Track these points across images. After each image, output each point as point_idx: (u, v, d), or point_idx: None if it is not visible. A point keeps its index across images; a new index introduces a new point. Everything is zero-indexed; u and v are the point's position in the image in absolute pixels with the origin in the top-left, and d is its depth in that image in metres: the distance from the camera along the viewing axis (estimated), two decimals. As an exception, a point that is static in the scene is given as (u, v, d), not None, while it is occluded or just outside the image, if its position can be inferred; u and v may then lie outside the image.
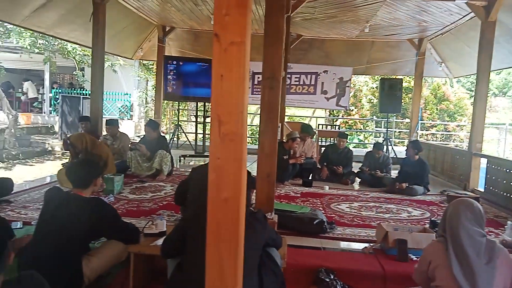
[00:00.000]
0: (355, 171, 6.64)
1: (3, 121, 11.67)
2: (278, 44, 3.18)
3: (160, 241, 2.48)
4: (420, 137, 11.29)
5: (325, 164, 6.58)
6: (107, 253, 2.48)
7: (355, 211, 4.76)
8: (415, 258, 3.07)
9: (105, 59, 13.05)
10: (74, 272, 2.30)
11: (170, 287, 2.06)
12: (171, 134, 9.56)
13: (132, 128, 14.36)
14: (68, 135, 5.77)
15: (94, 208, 2.38)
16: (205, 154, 8.34)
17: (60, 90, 14.67)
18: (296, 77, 9.72)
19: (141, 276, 2.62)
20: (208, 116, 8.84)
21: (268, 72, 3.18)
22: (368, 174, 6.43)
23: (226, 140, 1.21)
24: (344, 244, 3.56)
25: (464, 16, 6.95)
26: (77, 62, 11.88)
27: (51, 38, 10.24)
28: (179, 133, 9.86)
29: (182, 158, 7.83)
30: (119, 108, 15.11)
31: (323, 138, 9.24)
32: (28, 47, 9.75)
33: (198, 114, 8.45)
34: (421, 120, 12.12)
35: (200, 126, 9.20)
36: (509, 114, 21.84)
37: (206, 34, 10.21)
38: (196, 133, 8.42)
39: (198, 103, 8.51)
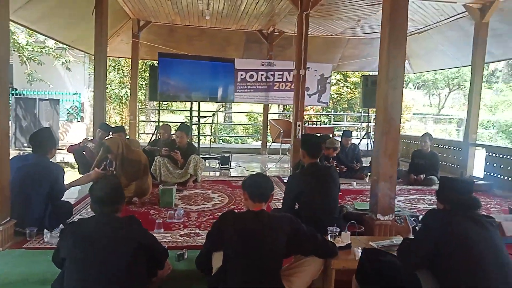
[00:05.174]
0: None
1: None
2: (403, 43, 3.16)
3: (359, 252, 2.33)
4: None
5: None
6: (306, 271, 2.26)
7: (414, 204, 4.95)
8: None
9: (59, 55, 11.86)
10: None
11: None
12: (152, 135, 8.88)
13: (83, 132, 13.13)
14: (104, 139, 5.10)
15: (289, 222, 2.20)
16: (205, 155, 7.84)
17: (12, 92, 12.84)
18: (279, 74, 9.68)
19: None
20: (203, 117, 8.40)
21: (392, 72, 3.14)
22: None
23: None
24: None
25: (452, 17, 7.51)
26: (26, 58, 10.42)
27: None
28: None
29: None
30: (68, 110, 13.69)
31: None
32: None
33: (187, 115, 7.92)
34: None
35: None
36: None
37: (182, 30, 9.70)
38: (198, 134, 7.85)
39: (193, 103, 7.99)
